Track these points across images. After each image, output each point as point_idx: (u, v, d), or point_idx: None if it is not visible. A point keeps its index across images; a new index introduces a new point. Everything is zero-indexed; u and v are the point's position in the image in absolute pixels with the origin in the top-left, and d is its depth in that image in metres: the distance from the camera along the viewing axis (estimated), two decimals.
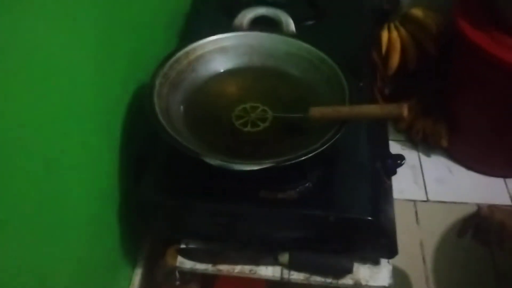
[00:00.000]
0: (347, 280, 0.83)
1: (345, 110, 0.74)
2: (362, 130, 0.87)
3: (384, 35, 1.38)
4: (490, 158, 1.42)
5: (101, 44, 0.71)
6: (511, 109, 1.25)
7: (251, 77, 0.88)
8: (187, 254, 0.85)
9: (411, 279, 1.19)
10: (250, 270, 0.84)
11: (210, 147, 0.75)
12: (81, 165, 0.69)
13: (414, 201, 1.37)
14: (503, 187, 1.41)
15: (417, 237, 1.29)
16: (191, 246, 0.87)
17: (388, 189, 0.87)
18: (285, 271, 0.84)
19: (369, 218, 0.76)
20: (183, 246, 0.87)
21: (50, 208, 0.61)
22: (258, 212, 0.79)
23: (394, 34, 1.38)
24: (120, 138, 0.82)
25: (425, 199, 1.38)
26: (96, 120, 0.72)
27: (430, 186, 1.41)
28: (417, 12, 1.35)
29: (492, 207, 0.85)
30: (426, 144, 1.48)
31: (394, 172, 0.88)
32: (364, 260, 0.85)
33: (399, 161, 0.87)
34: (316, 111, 0.75)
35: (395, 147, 1.50)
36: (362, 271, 0.84)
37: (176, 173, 0.82)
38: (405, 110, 0.68)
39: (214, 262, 0.85)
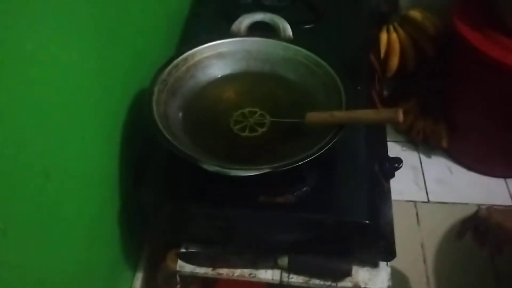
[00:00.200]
0: (346, 283, 0.84)
1: (341, 115, 0.74)
2: (360, 133, 0.87)
3: (383, 37, 1.39)
4: (490, 158, 1.42)
5: (102, 49, 0.71)
6: (510, 109, 1.26)
7: (249, 82, 0.89)
8: (187, 258, 0.86)
9: (412, 280, 1.20)
10: (250, 274, 0.85)
11: (208, 152, 0.76)
12: (80, 170, 0.69)
13: (415, 202, 1.38)
14: (503, 187, 1.41)
15: (417, 238, 1.29)
16: (191, 250, 0.88)
17: (387, 192, 0.88)
18: (285, 274, 0.85)
19: (367, 221, 0.76)
20: (183, 250, 0.88)
21: (49, 214, 0.61)
22: (257, 216, 0.80)
23: (393, 35, 1.39)
24: (120, 143, 0.83)
25: (425, 200, 1.38)
26: (96, 125, 0.73)
27: (430, 187, 1.42)
28: (415, 13, 1.36)
29: (490, 209, 0.85)
30: (426, 145, 1.49)
31: (392, 175, 0.89)
32: (363, 263, 0.86)
33: (396, 165, 0.87)
34: (313, 116, 0.76)
35: (395, 148, 1.50)
36: (361, 274, 0.85)
37: (175, 177, 0.83)
38: (400, 115, 0.69)
39: (214, 266, 0.86)
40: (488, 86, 1.26)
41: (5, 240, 0.53)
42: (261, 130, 0.82)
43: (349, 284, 0.84)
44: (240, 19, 0.90)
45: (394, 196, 1.34)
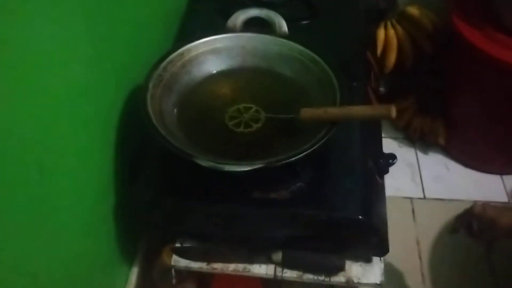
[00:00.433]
0: (340, 278, 0.85)
1: (335, 111, 0.75)
2: (355, 129, 0.87)
3: (381, 33, 1.39)
4: (487, 155, 1.43)
5: (96, 44, 0.72)
6: (507, 107, 1.26)
7: (244, 78, 0.89)
8: (182, 253, 0.87)
9: (407, 276, 1.20)
10: (244, 269, 0.86)
11: (203, 148, 0.76)
12: (75, 166, 0.70)
13: (411, 198, 1.38)
14: (500, 184, 1.42)
15: (413, 234, 1.30)
16: (186, 245, 0.88)
17: (380, 188, 0.88)
18: (278, 269, 0.85)
19: (360, 217, 0.77)
20: (178, 245, 0.88)
21: (43, 209, 0.62)
22: (251, 212, 0.80)
23: (391, 32, 1.39)
24: (115, 139, 0.83)
25: (422, 196, 1.39)
26: (90, 121, 0.74)
27: (427, 183, 1.42)
28: (413, 10, 1.36)
29: (484, 205, 0.85)
30: (423, 142, 1.49)
31: (387, 171, 0.89)
32: (356, 258, 0.86)
33: (391, 160, 0.88)
34: (307, 112, 0.76)
35: (393, 145, 1.51)
36: (354, 269, 0.85)
37: (170, 173, 0.84)
38: (393, 111, 0.69)
39: (209, 261, 0.86)
40: (485, 84, 1.26)
41: None
42: (256, 126, 0.82)
43: (342, 279, 0.84)
44: (235, 14, 0.91)
45: (391, 192, 1.35)
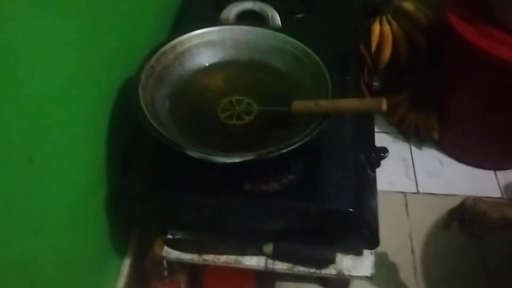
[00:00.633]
0: (330, 270, 0.85)
1: (327, 104, 0.75)
2: (347, 123, 0.88)
3: (376, 28, 1.38)
4: (481, 150, 1.43)
5: (86, 33, 0.71)
6: (501, 102, 1.26)
7: (237, 70, 0.90)
8: (173, 244, 0.87)
9: (399, 270, 1.20)
10: (235, 260, 0.86)
11: (195, 140, 0.77)
12: (65, 155, 0.70)
13: (405, 193, 1.38)
14: (493, 179, 1.42)
15: (406, 228, 1.30)
16: (177, 236, 0.88)
17: (372, 182, 0.89)
18: (270, 261, 0.86)
19: (351, 209, 0.77)
20: (169, 236, 0.88)
21: (32, 196, 0.62)
22: (242, 204, 0.81)
23: (386, 27, 1.39)
24: (108, 129, 0.83)
25: (415, 191, 1.39)
26: (81, 111, 0.73)
27: (420, 178, 1.42)
28: (408, 5, 1.36)
29: (476, 199, 0.86)
30: (417, 136, 1.49)
31: (378, 165, 0.90)
32: (347, 251, 0.87)
33: (382, 154, 0.88)
34: (299, 105, 0.77)
35: (387, 140, 1.51)
36: (345, 261, 0.86)
37: (162, 165, 0.84)
38: (384, 104, 0.69)
39: (200, 252, 0.87)
40: (479, 79, 1.26)
41: None
42: (248, 118, 0.82)
43: (333, 272, 0.85)
44: (229, 7, 0.91)
45: (384, 186, 1.37)
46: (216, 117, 0.83)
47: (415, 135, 1.49)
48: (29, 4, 0.56)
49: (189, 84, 0.86)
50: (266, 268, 0.86)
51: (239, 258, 0.86)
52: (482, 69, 1.22)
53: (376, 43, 1.39)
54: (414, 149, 1.49)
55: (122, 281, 0.98)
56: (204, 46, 0.89)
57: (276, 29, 0.89)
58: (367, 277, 0.85)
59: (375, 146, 0.92)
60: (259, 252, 0.86)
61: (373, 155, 0.88)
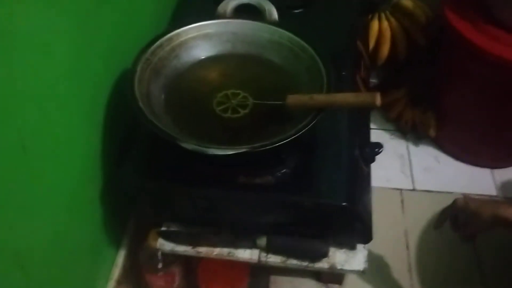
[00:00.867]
0: (323, 264, 0.86)
1: (321, 98, 0.75)
2: (343, 117, 0.88)
3: (375, 25, 1.39)
4: (477, 148, 1.43)
5: (82, 23, 0.72)
6: (498, 100, 1.26)
7: (233, 64, 0.90)
8: (167, 236, 0.88)
9: (393, 266, 1.21)
10: (229, 253, 0.87)
11: (190, 133, 0.77)
12: (59, 145, 0.70)
13: (401, 190, 1.39)
14: (489, 177, 1.42)
15: (401, 225, 1.30)
16: (172, 228, 0.89)
17: (366, 176, 0.89)
18: (263, 254, 0.87)
19: (344, 203, 0.77)
20: (164, 228, 0.89)
21: (25, 186, 0.62)
22: (236, 197, 0.81)
23: (385, 24, 1.39)
24: (103, 121, 0.83)
25: (411, 188, 1.39)
26: (76, 103, 0.74)
27: (417, 175, 1.42)
28: (407, 2, 1.36)
29: (467, 198, 0.86)
30: (414, 134, 1.49)
31: (373, 160, 0.90)
32: (340, 245, 0.87)
33: (377, 149, 0.88)
34: (293, 99, 0.77)
35: (384, 137, 1.51)
36: (338, 256, 0.86)
37: (157, 157, 0.84)
38: (378, 99, 0.70)
39: (194, 245, 0.87)
40: (476, 77, 1.26)
41: None
42: (243, 112, 0.83)
43: (326, 265, 0.85)
44: (226, 1, 0.91)
45: (380, 183, 1.37)
46: (211, 110, 0.83)
47: (412, 132, 1.50)
48: None
49: (185, 76, 0.87)
50: (259, 261, 0.86)
51: (233, 250, 0.87)
52: (480, 67, 1.21)
53: (374, 40, 1.39)
54: (411, 146, 1.50)
55: (116, 272, 0.98)
56: (201, 39, 0.89)
57: (273, 23, 0.89)
58: (359, 271, 0.85)
59: (370, 141, 0.93)
60: (253, 245, 0.86)
61: (368, 150, 0.88)
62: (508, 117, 1.28)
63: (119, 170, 0.83)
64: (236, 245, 0.86)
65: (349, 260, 0.86)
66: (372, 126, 1.51)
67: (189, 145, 0.70)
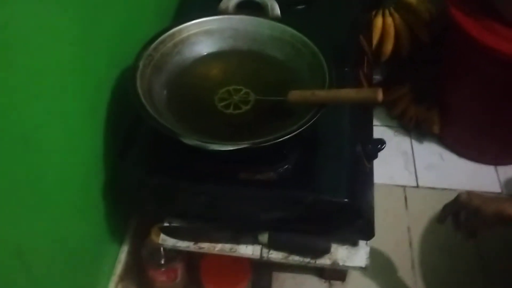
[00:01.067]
0: (325, 260, 0.86)
1: (323, 93, 0.75)
2: (345, 114, 0.88)
3: (378, 21, 1.38)
4: (481, 145, 1.43)
5: (86, 20, 0.72)
6: (503, 97, 1.26)
7: (235, 60, 0.90)
8: (169, 232, 0.88)
9: (396, 263, 1.21)
10: (231, 249, 0.87)
11: (192, 129, 0.77)
12: (62, 140, 0.70)
13: (404, 186, 1.38)
14: (493, 174, 1.42)
15: (405, 222, 1.30)
16: (174, 224, 0.89)
17: (368, 173, 0.89)
18: (265, 250, 0.87)
19: (346, 200, 0.77)
20: (166, 224, 0.89)
21: (28, 181, 0.63)
22: (238, 193, 0.81)
23: (389, 20, 1.38)
24: (105, 117, 0.84)
25: (415, 185, 1.39)
26: (79, 97, 0.74)
27: (421, 172, 1.42)
28: None
29: (470, 193, 0.86)
30: (418, 130, 1.49)
31: (375, 156, 0.90)
32: (342, 241, 0.87)
33: (379, 146, 0.88)
34: (295, 95, 0.77)
35: (388, 133, 1.50)
36: (340, 252, 0.86)
37: (159, 153, 0.84)
38: (379, 95, 0.69)
39: (196, 240, 0.87)
40: (481, 74, 1.26)
41: None
42: (245, 108, 0.83)
43: (328, 261, 0.85)
44: None
45: (384, 180, 1.37)
46: (213, 106, 0.83)
47: (416, 129, 1.49)
48: None
49: (187, 72, 0.87)
50: (261, 257, 0.86)
51: (235, 246, 0.87)
52: (484, 63, 1.21)
53: (378, 36, 1.38)
54: (414, 143, 1.49)
55: (119, 268, 0.99)
56: (203, 35, 0.89)
57: (275, 19, 0.89)
58: (361, 267, 0.85)
59: (372, 137, 0.92)
60: (255, 241, 0.86)
61: (370, 146, 0.88)
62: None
63: (121, 165, 0.83)
64: (238, 241, 0.87)
65: (351, 256, 0.86)
66: (376, 122, 1.51)
67: (191, 141, 0.70)
